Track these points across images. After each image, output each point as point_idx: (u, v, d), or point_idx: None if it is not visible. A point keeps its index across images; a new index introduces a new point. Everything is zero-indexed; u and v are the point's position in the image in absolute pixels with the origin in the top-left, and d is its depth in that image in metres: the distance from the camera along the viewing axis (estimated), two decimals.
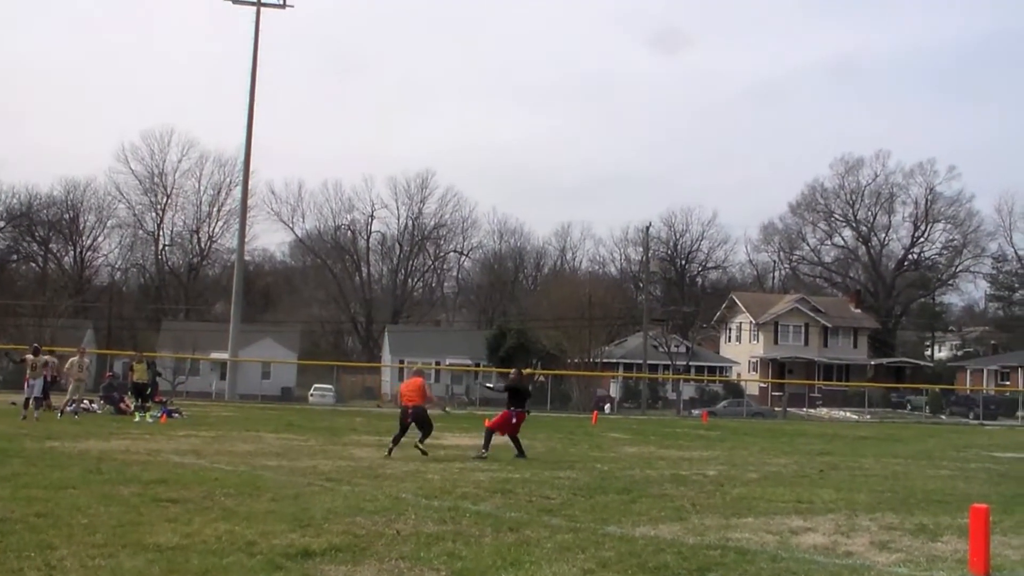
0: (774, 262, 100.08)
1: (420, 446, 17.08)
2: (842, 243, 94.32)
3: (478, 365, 65.28)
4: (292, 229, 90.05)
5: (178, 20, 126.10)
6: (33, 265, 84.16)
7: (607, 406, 56.60)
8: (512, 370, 20.82)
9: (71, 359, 27.81)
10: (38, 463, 13.60)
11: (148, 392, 27.95)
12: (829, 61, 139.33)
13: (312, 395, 59.90)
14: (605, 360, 68.77)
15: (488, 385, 33.19)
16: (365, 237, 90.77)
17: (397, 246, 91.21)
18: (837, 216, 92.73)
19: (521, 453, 17.99)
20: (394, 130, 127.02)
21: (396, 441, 17.41)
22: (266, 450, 17.95)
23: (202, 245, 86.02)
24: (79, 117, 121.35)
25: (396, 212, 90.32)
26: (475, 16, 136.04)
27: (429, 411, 17.72)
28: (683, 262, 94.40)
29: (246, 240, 63.41)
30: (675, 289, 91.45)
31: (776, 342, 75.81)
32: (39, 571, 6.76)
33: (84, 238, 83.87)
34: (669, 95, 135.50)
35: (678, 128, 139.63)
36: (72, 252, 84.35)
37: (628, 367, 68.70)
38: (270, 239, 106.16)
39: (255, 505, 10.23)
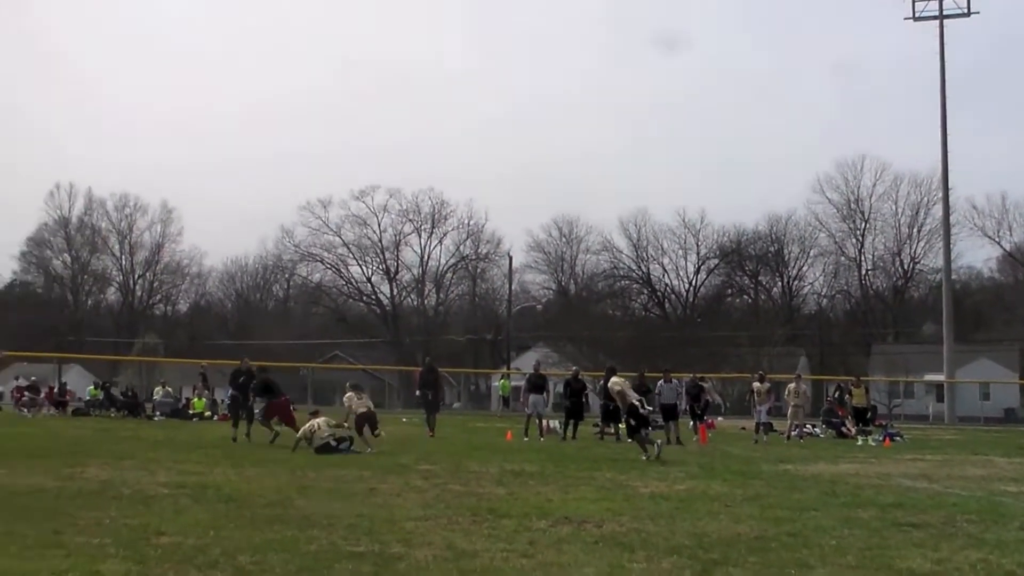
0: None
1: None
2: None
3: None
4: (999, 243, 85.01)
5: (867, 43, 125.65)
6: (745, 297, 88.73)
7: None
8: None
9: (788, 386, 28.89)
10: (776, 485, 14.19)
11: (868, 416, 28.04)
12: None
13: None
14: None
15: None
16: None
17: None
18: None
19: None
20: None
21: None
22: (1001, 475, 16.99)
23: (905, 267, 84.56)
24: (775, 158, 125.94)
25: None
26: None
27: None
28: None
29: (951, 258, 61.05)
30: None
31: None
32: None
33: (790, 269, 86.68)
34: None
35: None
36: (780, 283, 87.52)
37: None
38: (975, 255, 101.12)
39: (1003, 533, 9.69)
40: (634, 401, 19.17)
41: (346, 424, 19.55)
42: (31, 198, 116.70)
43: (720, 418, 42.38)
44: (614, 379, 20.13)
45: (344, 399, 20.91)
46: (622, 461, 17.93)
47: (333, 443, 18.10)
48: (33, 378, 37.97)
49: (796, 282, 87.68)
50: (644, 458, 18.30)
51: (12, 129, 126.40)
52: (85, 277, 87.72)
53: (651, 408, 25.98)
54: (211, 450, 18.43)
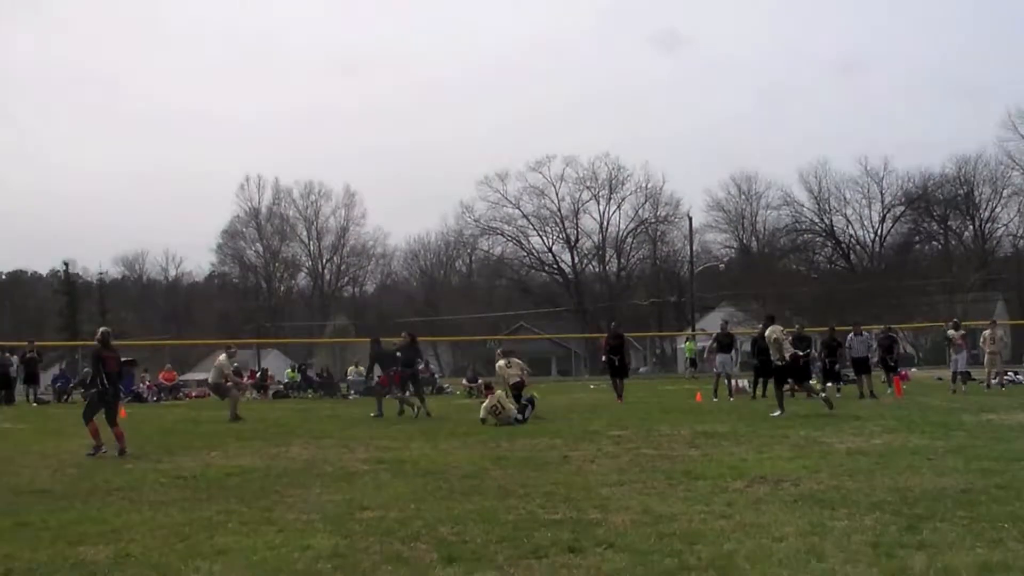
0: None
1: None
2: None
3: None
4: None
5: None
6: (935, 244, 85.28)
7: None
8: None
9: (984, 332, 27.86)
10: (980, 435, 13.68)
11: None
12: None
13: None
14: None
15: None
16: None
17: None
18: None
19: None
20: None
21: None
22: None
23: None
24: (959, 97, 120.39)
25: None
26: None
27: None
28: None
29: None
30: None
31: None
32: (1017, 541, 6.80)
33: (981, 211, 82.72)
34: None
35: None
36: (971, 226, 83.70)
37: None
38: None
39: None
40: (786, 355, 18.95)
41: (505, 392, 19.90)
42: (225, 192, 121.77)
43: (914, 369, 41.09)
44: (772, 328, 19.82)
45: (496, 368, 21.25)
46: (815, 418, 17.59)
47: (519, 418, 18.33)
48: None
49: (989, 224, 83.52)
50: (775, 414, 18.21)
51: (203, 130, 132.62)
52: (277, 264, 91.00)
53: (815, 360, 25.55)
54: (406, 426, 18.95)
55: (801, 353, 19.60)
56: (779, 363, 19.27)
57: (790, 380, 20.46)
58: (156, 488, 10.65)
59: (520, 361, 21.56)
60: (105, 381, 14.60)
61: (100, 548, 7.39)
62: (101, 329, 15.68)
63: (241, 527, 8.12)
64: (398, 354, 23.26)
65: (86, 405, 14.97)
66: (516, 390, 19.83)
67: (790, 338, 20.25)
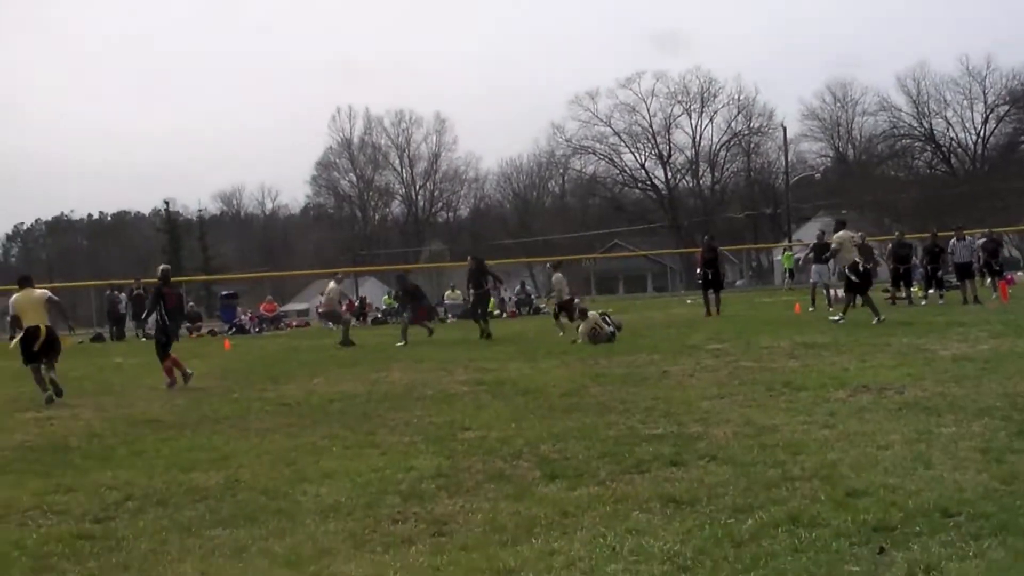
0: None
1: None
2: None
3: None
4: None
5: None
6: None
7: None
8: None
9: None
10: None
11: None
12: None
13: None
14: None
15: None
16: None
17: None
18: None
19: None
20: None
21: None
22: None
23: None
24: None
25: None
26: None
27: None
28: None
29: None
30: None
31: None
32: None
33: None
34: None
35: None
36: None
37: None
38: None
39: None
40: (855, 258, 18.60)
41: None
42: (317, 125, 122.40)
43: (1020, 273, 39.97)
44: (839, 234, 19.34)
45: (554, 281, 21.56)
46: (918, 325, 17.25)
47: (614, 332, 18.37)
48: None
49: None
50: (875, 321, 17.89)
51: (289, 68, 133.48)
52: (371, 193, 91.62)
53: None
54: (505, 347, 19.06)
55: (861, 262, 19.11)
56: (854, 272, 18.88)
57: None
58: (262, 416, 10.90)
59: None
60: (165, 317, 15.03)
61: (211, 474, 7.59)
62: (161, 267, 16.12)
63: (345, 451, 8.26)
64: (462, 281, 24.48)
65: (156, 345, 15.32)
66: (567, 308, 20.10)
67: (857, 246, 19.82)
